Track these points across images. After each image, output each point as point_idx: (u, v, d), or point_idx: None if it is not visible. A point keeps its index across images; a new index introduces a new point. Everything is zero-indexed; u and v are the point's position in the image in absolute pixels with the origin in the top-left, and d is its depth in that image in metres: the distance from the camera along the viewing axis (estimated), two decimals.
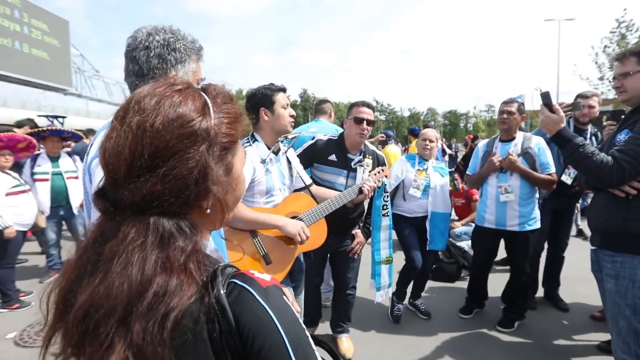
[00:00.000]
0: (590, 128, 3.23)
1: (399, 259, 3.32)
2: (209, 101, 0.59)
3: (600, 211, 1.81)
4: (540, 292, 3.58)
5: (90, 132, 6.75)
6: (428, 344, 2.88)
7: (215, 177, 0.56)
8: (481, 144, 3.31)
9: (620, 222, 1.70)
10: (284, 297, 0.57)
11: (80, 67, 19.52)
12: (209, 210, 0.58)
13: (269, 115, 1.93)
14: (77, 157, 4.27)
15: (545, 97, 1.83)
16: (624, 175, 1.64)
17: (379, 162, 2.60)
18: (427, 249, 3.17)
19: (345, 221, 2.49)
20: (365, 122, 2.40)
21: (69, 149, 5.35)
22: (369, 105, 2.49)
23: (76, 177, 4.10)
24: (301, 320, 0.57)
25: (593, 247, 1.91)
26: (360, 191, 2.12)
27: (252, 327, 0.51)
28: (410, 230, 3.19)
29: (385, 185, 2.29)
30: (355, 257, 2.60)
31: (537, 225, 2.98)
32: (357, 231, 2.64)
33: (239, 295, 0.53)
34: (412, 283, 3.35)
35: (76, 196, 4.03)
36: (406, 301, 3.41)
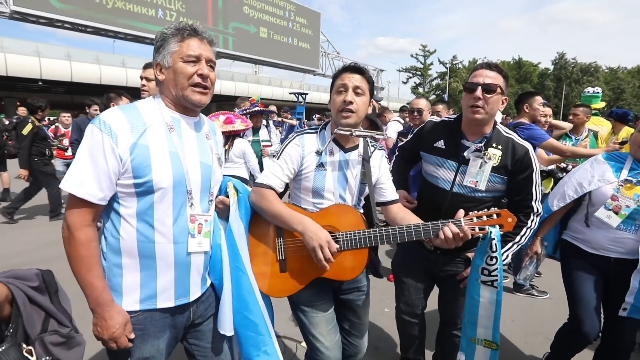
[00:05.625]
0: None
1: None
2: None
3: None
4: None
5: None
6: None
7: None
8: None
9: None
10: None
11: (326, 51, 23.36)
12: None
13: (330, 103, 1.63)
14: (273, 128, 5.28)
15: None
16: None
17: (514, 157, 1.71)
18: (624, 314, 1.88)
19: None
20: (480, 88, 1.65)
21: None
22: (490, 66, 1.69)
23: (269, 145, 5.09)
24: None
25: None
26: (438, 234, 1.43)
27: None
28: (588, 275, 2.02)
29: (493, 239, 1.42)
30: None
31: None
32: (472, 254, 1.84)
33: None
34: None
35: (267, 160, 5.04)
36: None
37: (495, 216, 1.41)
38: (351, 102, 1.50)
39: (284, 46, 19.87)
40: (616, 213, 1.89)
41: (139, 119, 1.18)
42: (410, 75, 41.43)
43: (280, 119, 8.31)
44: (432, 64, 39.77)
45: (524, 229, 1.77)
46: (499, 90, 1.66)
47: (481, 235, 1.43)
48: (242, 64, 25.21)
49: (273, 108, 5.66)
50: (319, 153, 1.58)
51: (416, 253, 1.98)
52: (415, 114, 3.67)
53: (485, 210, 1.45)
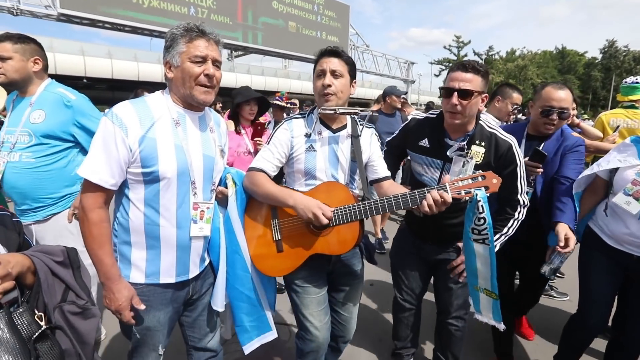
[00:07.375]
0: None
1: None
2: None
3: None
4: None
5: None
6: None
7: None
8: None
9: None
10: None
11: (355, 44, 23.10)
12: None
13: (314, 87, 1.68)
14: None
15: None
16: None
17: (497, 153, 1.72)
18: None
19: (441, 227, 1.87)
20: (456, 94, 1.64)
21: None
22: (466, 67, 1.66)
23: None
24: None
25: None
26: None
27: None
28: (604, 269, 1.90)
29: (478, 201, 1.42)
30: (460, 279, 1.86)
31: None
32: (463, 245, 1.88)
33: None
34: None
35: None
36: None
37: (480, 179, 1.43)
38: (329, 85, 1.56)
39: (312, 40, 19.86)
40: (637, 199, 1.73)
41: (147, 114, 1.28)
42: (443, 67, 40.01)
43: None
44: (466, 55, 38.13)
45: (511, 221, 1.81)
46: (475, 94, 1.65)
47: (468, 198, 1.45)
48: (272, 58, 25.55)
49: (295, 101, 5.72)
50: (307, 135, 1.65)
51: (408, 241, 2.09)
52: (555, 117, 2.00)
53: (470, 174, 1.51)
